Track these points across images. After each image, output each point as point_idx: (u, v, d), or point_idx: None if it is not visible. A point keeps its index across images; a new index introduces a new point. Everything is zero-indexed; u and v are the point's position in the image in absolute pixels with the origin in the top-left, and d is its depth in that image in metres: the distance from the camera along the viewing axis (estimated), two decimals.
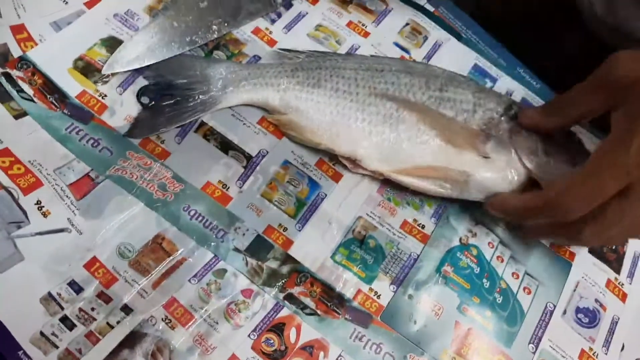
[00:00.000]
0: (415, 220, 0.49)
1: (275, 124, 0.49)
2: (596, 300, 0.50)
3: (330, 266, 0.46)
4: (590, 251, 0.52)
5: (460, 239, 0.49)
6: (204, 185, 0.46)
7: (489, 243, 0.50)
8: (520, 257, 0.50)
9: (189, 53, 0.50)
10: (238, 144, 0.48)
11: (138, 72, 0.48)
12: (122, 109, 0.47)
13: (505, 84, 0.58)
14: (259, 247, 0.45)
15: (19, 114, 0.45)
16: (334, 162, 0.49)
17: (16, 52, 0.47)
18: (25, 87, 0.46)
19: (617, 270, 0.52)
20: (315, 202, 0.48)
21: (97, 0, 0.51)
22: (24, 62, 0.47)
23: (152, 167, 0.46)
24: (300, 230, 0.46)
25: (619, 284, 0.52)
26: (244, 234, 0.45)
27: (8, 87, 0.46)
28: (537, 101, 0.59)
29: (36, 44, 0.47)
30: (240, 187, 0.47)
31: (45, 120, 0.45)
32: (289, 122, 0.48)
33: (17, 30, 0.48)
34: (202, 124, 0.48)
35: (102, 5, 0.51)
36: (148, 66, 0.48)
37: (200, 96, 0.47)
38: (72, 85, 0.47)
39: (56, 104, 0.46)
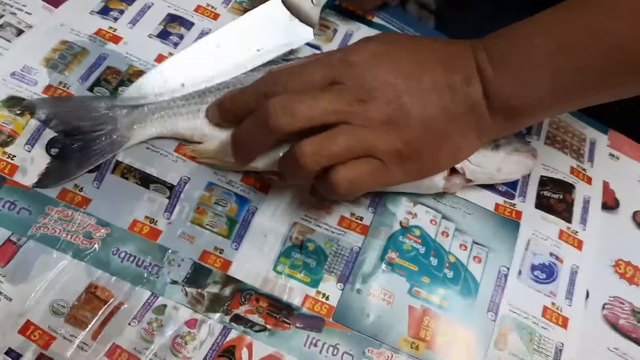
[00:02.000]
0: (352, 214, 0.48)
1: (192, 155, 0.48)
2: (551, 254, 0.49)
3: (273, 278, 0.45)
4: (537, 206, 0.52)
5: (401, 223, 0.48)
6: (130, 224, 0.45)
7: (430, 220, 0.49)
8: (465, 228, 0.49)
9: (91, 94, 0.50)
10: (158, 176, 0.47)
11: (44, 123, 0.48)
12: (34, 166, 0.46)
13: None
14: (196, 275, 0.44)
15: None
16: (260, 174, 0.48)
17: None
18: None
19: (568, 220, 0.52)
20: (246, 218, 0.47)
21: None
22: None
23: (75, 217, 0.45)
24: (237, 249, 0.46)
25: (572, 232, 0.51)
26: (179, 265, 0.44)
27: None
28: None
29: None
30: (169, 219, 0.46)
31: None
32: (206, 151, 0.47)
33: None
34: (118, 163, 0.47)
35: None
36: (52, 114, 0.48)
37: (108, 136, 0.47)
38: None
39: None
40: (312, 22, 0.53)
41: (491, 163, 0.48)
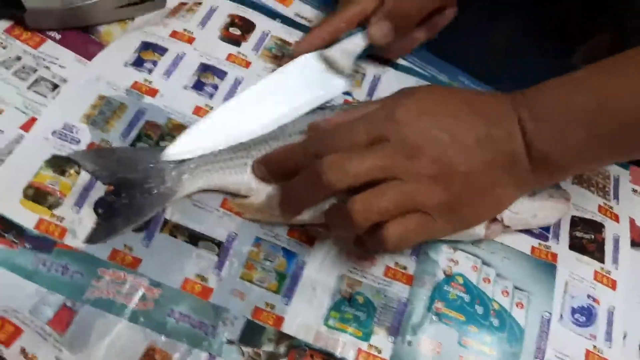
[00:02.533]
0: (396, 264, 0.49)
1: (239, 209, 0.49)
2: (588, 296, 0.51)
3: (325, 332, 0.46)
4: (571, 247, 0.53)
5: (444, 271, 0.49)
6: (182, 283, 0.46)
7: (472, 267, 0.50)
8: (505, 273, 0.50)
9: (138, 146, 0.50)
10: (206, 233, 0.48)
11: (91, 174, 0.48)
12: (82, 226, 0.46)
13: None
14: (251, 333, 0.45)
15: None
16: (305, 226, 0.49)
17: None
18: None
19: (601, 260, 0.53)
20: (295, 272, 0.48)
21: (32, 121, 0.50)
22: None
23: (127, 279, 0.45)
24: (287, 304, 0.46)
25: (606, 272, 0.53)
26: (233, 323, 0.45)
27: None
28: None
29: None
30: (218, 275, 0.47)
31: (8, 262, 0.44)
32: (252, 205, 0.48)
33: None
34: (166, 221, 0.48)
35: (39, 125, 0.50)
36: (98, 166, 0.48)
37: (155, 190, 0.47)
38: (28, 217, 0.46)
39: (16, 240, 0.45)
40: (346, 73, 0.54)
41: (528, 210, 0.50)
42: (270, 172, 0.47)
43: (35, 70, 0.53)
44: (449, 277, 0.49)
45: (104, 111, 0.51)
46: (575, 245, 0.53)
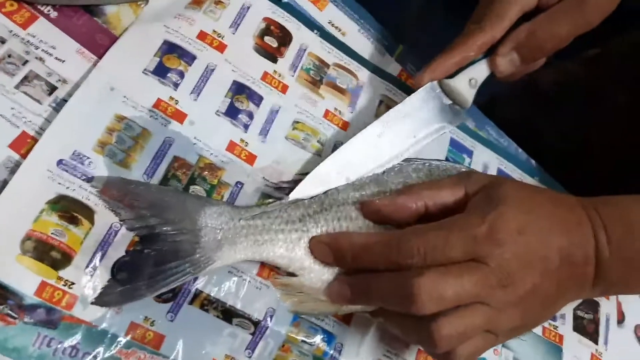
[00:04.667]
0: None
1: (283, 289, 0.42)
2: None
3: None
4: (574, 328, 0.54)
5: None
6: None
7: (494, 351, 0.49)
8: (523, 357, 0.50)
9: (169, 187, 0.41)
10: (242, 308, 0.41)
11: (108, 235, 0.39)
12: (97, 294, 0.37)
13: (481, 156, 0.56)
14: None
15: None
16: None
17: None
18: None
19: (596, 341, 0.55)
20: (333, 356, 0.43)
21: (23, 139, 0.39)
22: None
23: None
24: None
25: (598, 354, 0.55)
26: None
27: None
28: (510, 167, 0.58)
29: None
30: (250, 357, 0.41)
31: (3, 344, 0.34)
32: (301, 286, 0.42)
33: None
34: (198, 292, 0.40)
35: (39, 149, 0.38)
36: (131, 204, 0.39)
37: (191, 254, 0.39)
38: (27, 279, 0.36)
39: (13, 313, 0.35)
40: (466, 104, 0.48)
41: None
42: (337, 259, 0.41)
43: (25, 62, 0.41)
44: None
45: (123, 139, 0.41)
46: (578, 327, 0.55)
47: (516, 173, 0.59)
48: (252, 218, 0.41)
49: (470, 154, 0.56)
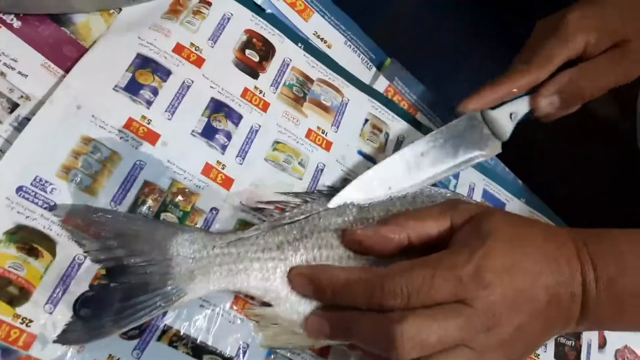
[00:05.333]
0: None
1: (257, 320, 0.40)
2: None
3: None
4: (556, 356, 0.53)
5: None
6: None
7: None
8: None
9: (138, 215, 0.39)
10: (213, 344, 0.39)
11: (70, 269, 0.36)
12: (57, 332, 0.35)
13: (467, 176, 0.54)
14: None
15: None
16: None
17: None
18: None
19: None
20: None
21: None
22: None
23: None
24: None
25: None
26: None
27: None
28: (496, 189, 0.56)
29: None
30: None
31: None
32: (275, 317, 0.40)
33: None
34: (167, 328, 0.38)
35: None
36: (98, 234, 0.36)
37: (161, 286, 0.37)
38: None
39: None
40: (503, 137, 0.50)
41: None
42: (316, 293, 0.39)
43: None
44: None
45: (89, 162, 0.38)
46: (559, 354, 0.54)
47: (502, 194, 0.57)
48: (227, 245, 0.39)
49: (456, 174, 0.54)
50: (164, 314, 0.38)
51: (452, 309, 0.36)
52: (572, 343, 0.55)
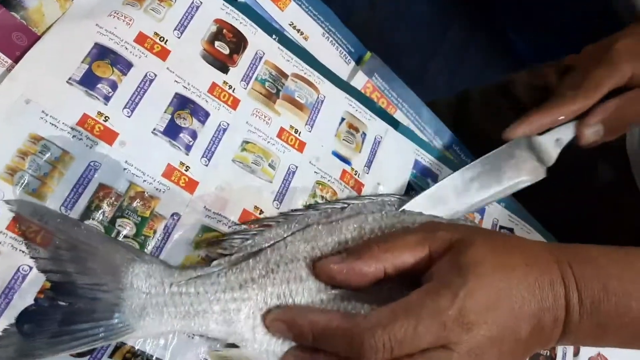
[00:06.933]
0: None
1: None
2: None
3: None
4: None
5: None
6: None
7: None
8: None
9: (99, 231, 0.36)
10: None
11: (14, 279, 0.33)
12: None
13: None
14: None
15: None
16: None
17: None
18: None
19: None
20: None
21: None
22: None
23: None
24: None
25: None
26: None
27: None
28: None
29: None
30: None
31: None
32: (242, 359, 0.37)
33: None
34: (119, 344, 0.35)
35: None
36: (42, 240, 0.33)
37: (107, 317, 0.34)
38: None
39: None
40: (548, 162, 0.50)
41: None
42: (296, 338, 0.37)
43: None
44: None
45: (38, 164, 0.35)
46: None
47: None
48: (186, 283, 0.36)
49: (435, 178, 0.52)
50: None
51: (437, 356, 0.35)
52: (547, 353, 0.53)
